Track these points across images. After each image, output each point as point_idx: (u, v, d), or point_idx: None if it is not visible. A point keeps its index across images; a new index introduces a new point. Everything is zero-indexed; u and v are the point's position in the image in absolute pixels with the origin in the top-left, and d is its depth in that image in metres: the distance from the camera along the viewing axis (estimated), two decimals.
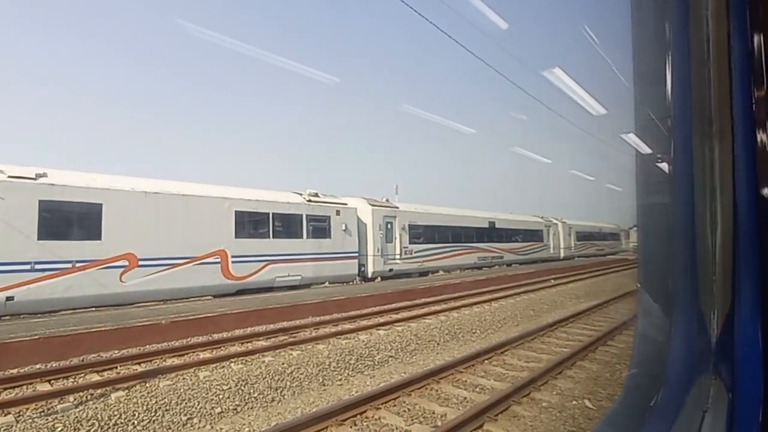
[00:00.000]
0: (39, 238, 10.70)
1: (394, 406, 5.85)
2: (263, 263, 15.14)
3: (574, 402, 6.01)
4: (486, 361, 7.96)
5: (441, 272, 23.99)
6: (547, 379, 6.80)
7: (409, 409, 5.74)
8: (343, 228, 17.94)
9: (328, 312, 12.16)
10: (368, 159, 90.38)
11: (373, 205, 19.92)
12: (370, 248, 19.27)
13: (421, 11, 6.73)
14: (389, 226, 20.35)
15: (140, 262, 12.22)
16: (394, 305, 13.75)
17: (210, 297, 14.07)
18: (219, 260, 13.97)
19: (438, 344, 9.61)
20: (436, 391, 6.46)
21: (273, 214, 15.73)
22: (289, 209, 16.35)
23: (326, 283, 17.93)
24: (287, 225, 16.19)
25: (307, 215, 16.80)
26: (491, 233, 27.65)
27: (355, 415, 5.45)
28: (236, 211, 14.63)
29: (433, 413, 5.63)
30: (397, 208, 21.29)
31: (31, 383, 6.72)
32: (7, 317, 10.39)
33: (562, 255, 35.80)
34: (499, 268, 27.84)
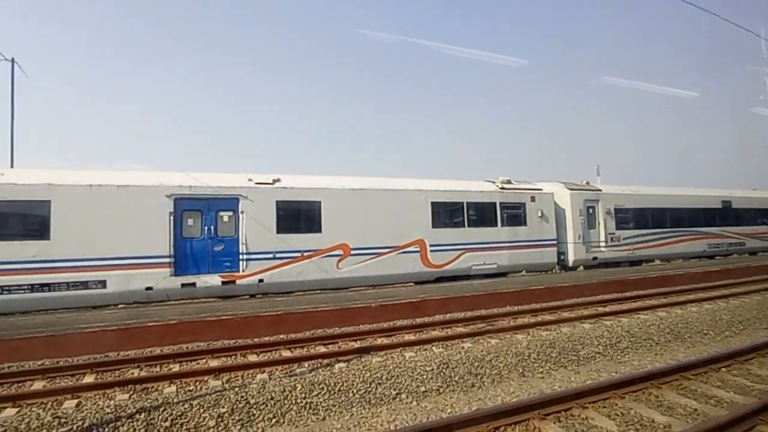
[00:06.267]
0: (278, 233, 13.09)
1: (604, 407, 5.39)
2: (459, 252, 15.54)
3: None
4: (723, 369, 6.67)
5: (657, 261, 20.87)
6: None
7: (622, 413, 5.22)
8: (539, 215, 17.12)
9: (527, 301, 11.84)
10: (563, 140, 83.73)
11: (571, 189, 18.44)
12: (570, 235, 17.92)
13: None
14: (591, 210, 18.56)
15: (352, 252, 13.90)
16: (600, 297, 12.59)
17: (411, 284, 15.12)
18: (418, 249, 14.89)
19: (656, 344, 8.45)
20: (657, 397, 5.71)
21: (467, 203, 15.99)
22: (483, 198, 16.38)
23: (523, 272, 17.40)
24: (481, 213, 16.26)
25: (500, 203, 16.57)
26: (726, 215, 22.70)
27: (559, 411, 5.21)
28: (432, 202, 15.35)
29: (653, 422, 4.99)
30: (600, 190, 19.26)
31: (277, 349, 8.28)
32: (260, 295, 13.03)
33: None
34: (738, 257, 22.79)
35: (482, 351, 7.55)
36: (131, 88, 76.74)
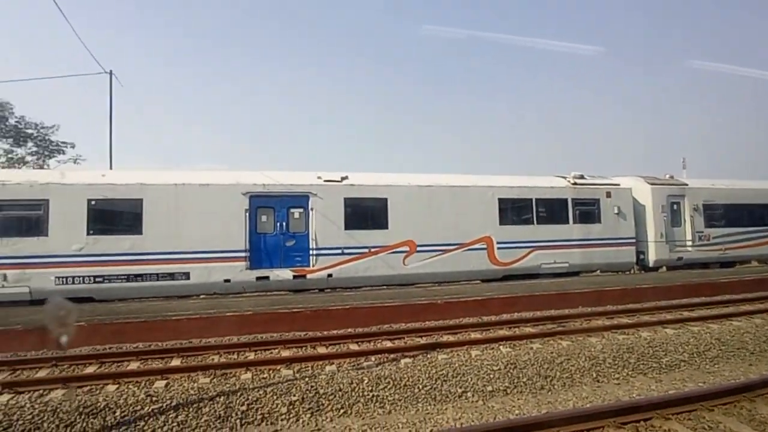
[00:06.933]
0: (346, 229, 13.42)
1: (690, 419, 5.01)
2: (528, 249, 15.08)
3: None
4: None
5: (755, 263, 18.94)
6: None
7: (709, 427, 4.83)
8: (616, 211, 16.15)
9: (601, 303, 11.25)
10: (645, 132, 78.18)
11: (652, 184, 17.20)
12: (651, 233, 16.74)
13: None
14: (675, 207, 17.20)
15: (418, 248, 13.94)
16: (685, 300, 11.70)
17: (478, 281, 14.89)
18: (485, 246, 14.63)
19: (751, 353, 7.72)
20: (749, 411, 5.20)
21: (536, 199, 15.47)
22: (553, 194, 15.76)
23: (597, 272, 16.54)
24: (551, 210, 15.66)
25: (572, 199, 15.85)
26: None
27: (638, 420, 4.91)
28: (500, 199, 15.02)
29: None
30: (686, 185, 17.79)
31: (345, 342, 8.50)
32: (328, 290, 13.44)
33: None
34: None
35: (552, 353, 7.29)
36: (210, 93, 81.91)
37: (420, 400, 6.03)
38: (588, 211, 16.01)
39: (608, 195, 16.26)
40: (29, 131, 25.01)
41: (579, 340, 8.22)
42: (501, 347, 7.88)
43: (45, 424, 5.11)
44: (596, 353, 7.30)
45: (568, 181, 16.24)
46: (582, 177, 16.55)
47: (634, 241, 16.48)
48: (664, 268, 17.31)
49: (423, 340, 8.47)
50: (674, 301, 11.73)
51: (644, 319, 9.75)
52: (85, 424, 5.17)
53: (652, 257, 16.80)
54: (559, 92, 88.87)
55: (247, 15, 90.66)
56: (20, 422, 5.09)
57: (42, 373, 6.85)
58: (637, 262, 16.89)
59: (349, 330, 9.25)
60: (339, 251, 13.33)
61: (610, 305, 11.12)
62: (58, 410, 5.30)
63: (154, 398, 5.62)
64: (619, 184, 16.75)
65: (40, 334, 7.97)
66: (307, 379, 6.22)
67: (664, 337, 8.26)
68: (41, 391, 6.00)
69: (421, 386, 6.24)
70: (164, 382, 6.34)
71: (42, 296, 11.22)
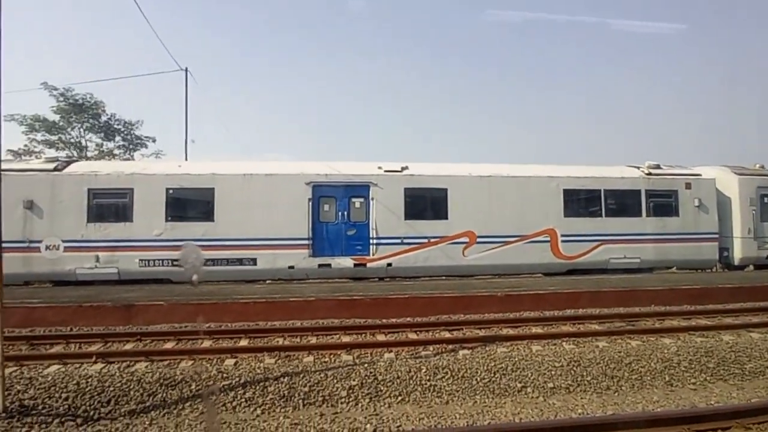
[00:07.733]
0: (406, 219, 13.48)
1: None
2: (595, 243, 14.37)
3: None
4: None
5: None
6: None
7: None
8: (696, 204, 14.95)
9: (677, 302, 10.52)
10: (734, 119, 71.35)
11: (739, 174, 15.72)
12: (737, 228, 15.34)
13: None
14: (766, 199, 15.65)
15: (478, 239, 13.73)
16: None
17: (540, 275, 14.43)
18: (548, 239, 14.13)
19: None
20: None
21: (605, 191, 14.67)
22: (624, 185, 14.87)
23: (673, 269, 15.48)
24: (622, 202, 14.79)
25: (646, 191, 14.86)
26: None
27: (716, 429, 4.59)
28: (564, 190, 14.41)
29: None
30: None
31: (403, 331, 8.58)
32: (388, 279, 13.61)
33: None
34: None
35: (620, 352, 6.96)
36: (279, 85, 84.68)
37: (478, 392, 6.00)
38: (664, 204, 14.96)
39: (688, 186, 15.08)
40: (118, 127, 27.22)
41: (651, 340, 7.76)
42: (564, 343, 7.60)
43: (131, 392, 5.64)
44: (670, 355, 6.88)
45: (642, 171, 15.24)
46: (658, 167, 15.46)
47: (716, 236, 15.21)
48: (751, 267, 15.84)
49: (482, 332, 8.38)
50: (762, 303, 10.73)
51: (726, 322, 9.02)
52: (165, 395, 5.65)
53: (737, 254, 15.42)
54: (632, 77, 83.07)
55: (312, 5, 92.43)
56: (111, 389, 5.65)
57: (128, 346, 7.52)
58: (719, 260, 15.60)
59: (408, 319, 9.31)
60: (399, 241, 13.43)
61: (687, 305, 10.39)
62: (142, 380, 5.82)
63: (224, 375, 6.02)
64: (700, 175, 15.48)
65: (126, 310, 8.78)
66: (366, 365, 6.38)
67: (748, 341, 7.62)
68: (128, 362, 6.59)
69: (479, 378, 6.22)
70: (233, 360, 6.74)
71: (128, 277, 12.35)
